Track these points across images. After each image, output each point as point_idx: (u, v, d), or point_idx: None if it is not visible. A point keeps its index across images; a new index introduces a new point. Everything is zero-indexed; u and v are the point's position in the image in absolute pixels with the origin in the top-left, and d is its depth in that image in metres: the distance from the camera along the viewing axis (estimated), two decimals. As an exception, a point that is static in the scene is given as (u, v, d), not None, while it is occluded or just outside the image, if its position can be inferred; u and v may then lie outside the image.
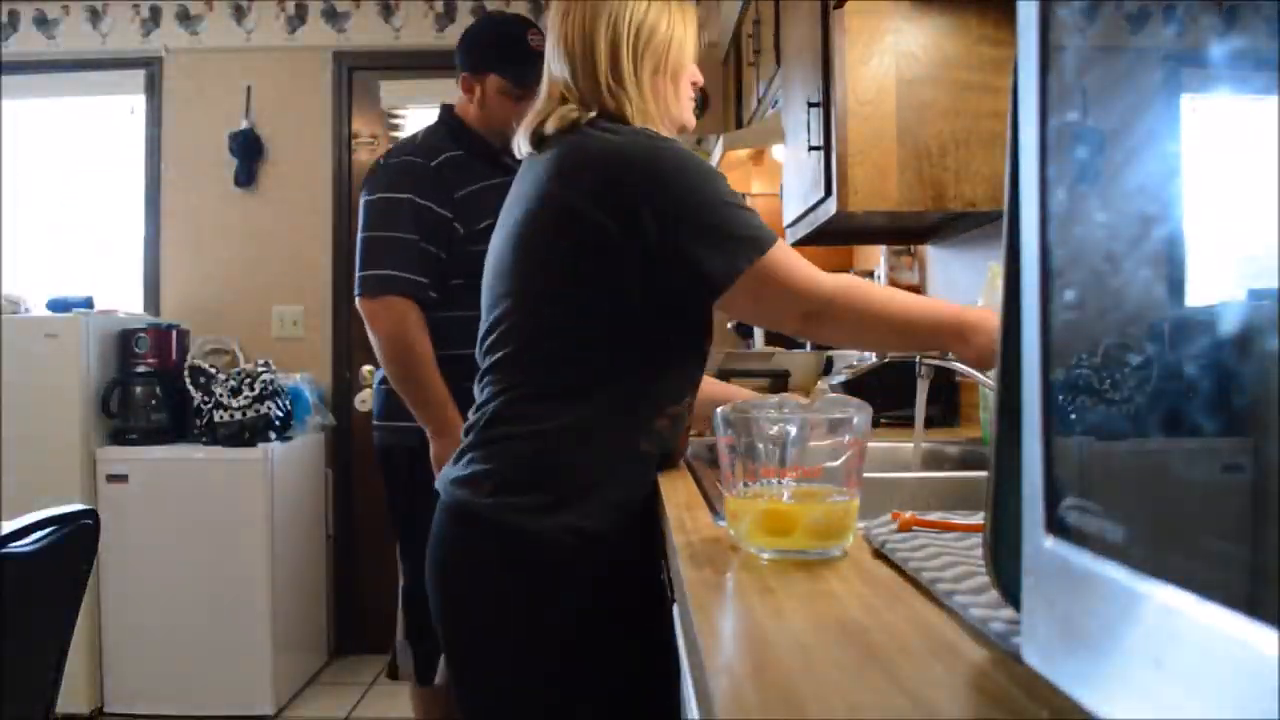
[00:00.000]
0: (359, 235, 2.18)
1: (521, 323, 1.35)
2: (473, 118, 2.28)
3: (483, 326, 1.42)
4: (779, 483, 0.87)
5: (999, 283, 0.70)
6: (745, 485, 0.87)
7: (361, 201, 2.21)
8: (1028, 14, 0.43)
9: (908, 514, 0.94)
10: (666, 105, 1.41)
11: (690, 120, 1.45)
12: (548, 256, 1.33)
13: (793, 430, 0.87)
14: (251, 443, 3.32)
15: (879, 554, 0.86)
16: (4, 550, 1.46)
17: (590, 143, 1.33)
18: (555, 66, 1.40)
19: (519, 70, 2.17)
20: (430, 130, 2.30)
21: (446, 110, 2.32)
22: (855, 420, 0.86)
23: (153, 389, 3.41)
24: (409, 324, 2.09)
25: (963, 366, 1.69)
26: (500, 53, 2.23)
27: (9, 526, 1.49)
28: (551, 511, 1.27)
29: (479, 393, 1.40)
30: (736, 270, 1.28)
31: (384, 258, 2.11)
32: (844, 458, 0.86)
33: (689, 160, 1.32)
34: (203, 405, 3.37)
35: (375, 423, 2.30)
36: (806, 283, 1.31)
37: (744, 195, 1.22)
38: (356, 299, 2.15)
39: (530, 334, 1.35)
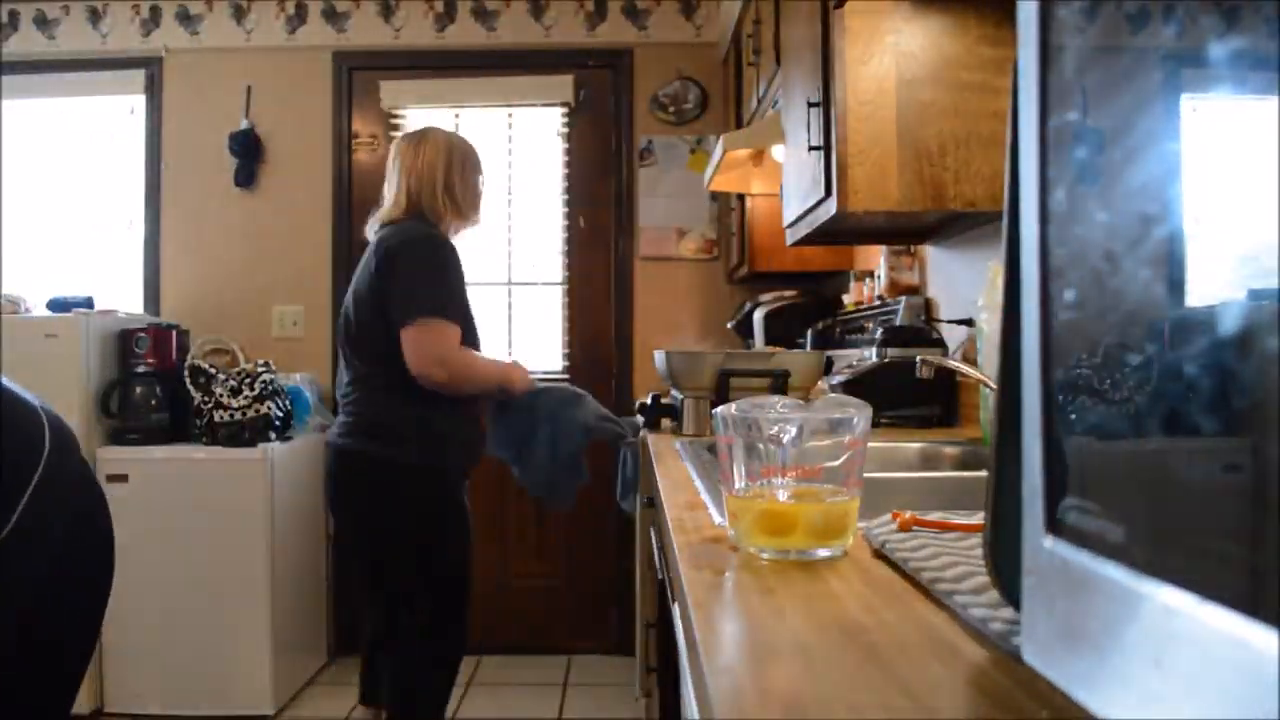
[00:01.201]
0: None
1: (362, 345, 2.35)
2: None
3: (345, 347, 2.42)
4: (779, 482, 0.87)
5: (999, 283, 0.70)
6: (745, 485, 0.87)
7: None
8: (1028, 14, 0.43)
9: (908, 514, 0.94)
10: (472, 204, 2.45)
11: (479, 215, 2.50)
12: (367, 296, 2.31)
13: (792, 430, 0.87)
14: (251, 443, 3.32)
15: (879, 554, 0.86)
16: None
17: (402, 228, 2.34)
18: (406, 182, 2.40)
19: None
20: None
21: None
22: (855, 420, 0.86)
23: (153, 389, 3.41)
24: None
25: (964, 367, 1.69)
26: None
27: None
28: (391, 448, 2.30)
29: (349, 388, 2.39)
30: (407, 319, 2.23)
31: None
32: (844, 458, 0.86)
33: (439, 245, 2.30)
34: (203, 405, 3.37)
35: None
36: (428, 358, 2.24)
37: (460, 279, 2.36)
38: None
39: (367, 350, 2.35)
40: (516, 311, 4.09)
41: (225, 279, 3.99)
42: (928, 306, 2.55)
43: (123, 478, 3.27)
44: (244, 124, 3.97)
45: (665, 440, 2.09)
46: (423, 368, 2.22)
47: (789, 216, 2.49)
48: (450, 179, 2.38)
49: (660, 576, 1.90)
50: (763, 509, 0.86)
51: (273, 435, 3.39)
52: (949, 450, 1.78)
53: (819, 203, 2.10)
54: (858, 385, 2.19)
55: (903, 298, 2.51)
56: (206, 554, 3.25)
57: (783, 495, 0.86)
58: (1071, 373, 0.40)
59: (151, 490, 3.27)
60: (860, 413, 0.87)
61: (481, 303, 4.10)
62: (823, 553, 0.85)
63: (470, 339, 2.35)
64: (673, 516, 1.10)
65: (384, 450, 2.29)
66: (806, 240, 2.42)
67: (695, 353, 2.21)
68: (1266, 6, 0.29)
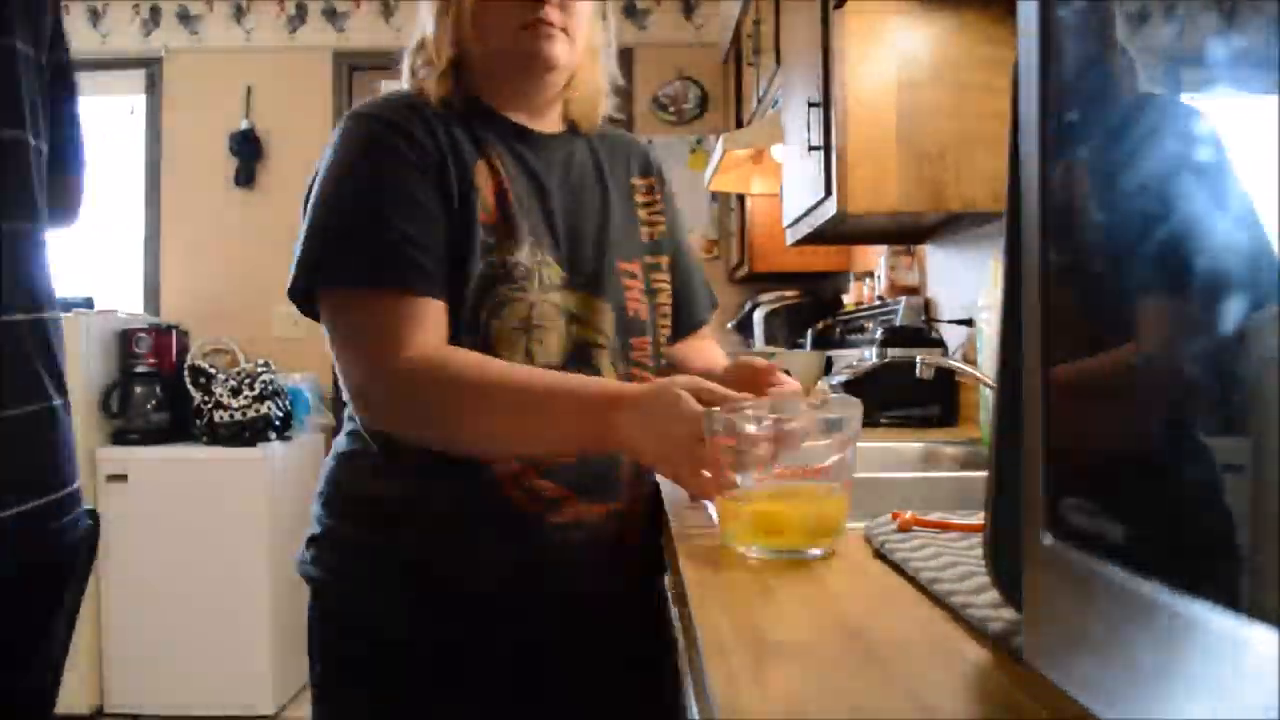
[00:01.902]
0: None
1: None
2: None
3: None
4: (769, 483, 0.88)
5: (999, 282, 0.70)
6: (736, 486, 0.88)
7: None
8: (1028, 14, 0.43)
9: (908, 514, 0.94)
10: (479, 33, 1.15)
11: (522, 46, 1.13)
12: None
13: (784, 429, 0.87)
14: (251, 443, 3.32)
15: (879, 554, 0.86)
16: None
17: None
18: None
19: None
20: None
21: None
22: (845, 420, 0.87)
23: (153, 389, 3.41)
24: None
25: (964, 366, 1.69)
26: None
27: (9, 526, 1.49)
28: None
29: None
30: (292, 286, 1.08)
31: None
32: (834, 458, 0.87)
33: (347, 133, 1.11)
34: (203, 405, 3.37)
35: None
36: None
37: (402, 198, 1.08)
38: None
39: None
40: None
41: (225, 279, 3.99)
42: (927, 306, 2.55)
43: (122, 478, 3.27)
44: (244, 124, 3.97)
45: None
46: None
47: (789, 216, 2.49)
48: None
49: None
50: (751, 509, 0.86)
51: (273, 435, 3.39)
52: (949, 450, 1.78)
53: (819, 203, 2.11)
54: (858, 385, 2.19)
55: (903, 298, 2.51)
56: (206, 554, 3.25)
57: (770, 495, 0.87)
58: (1071, 371, 0.40)
59: (151, 490, 3.27)
60: (850, 412, 0.87)
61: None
62: (811, 551, 0.85)
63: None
64: (673, 516, 1.10)
65: None
66: (806, 240, 2.42)
67: (695, 353, 2.20)
68: (1267, 6, 0.29)
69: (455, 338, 1.07)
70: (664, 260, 1.25)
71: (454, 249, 1.07)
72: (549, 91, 1.20)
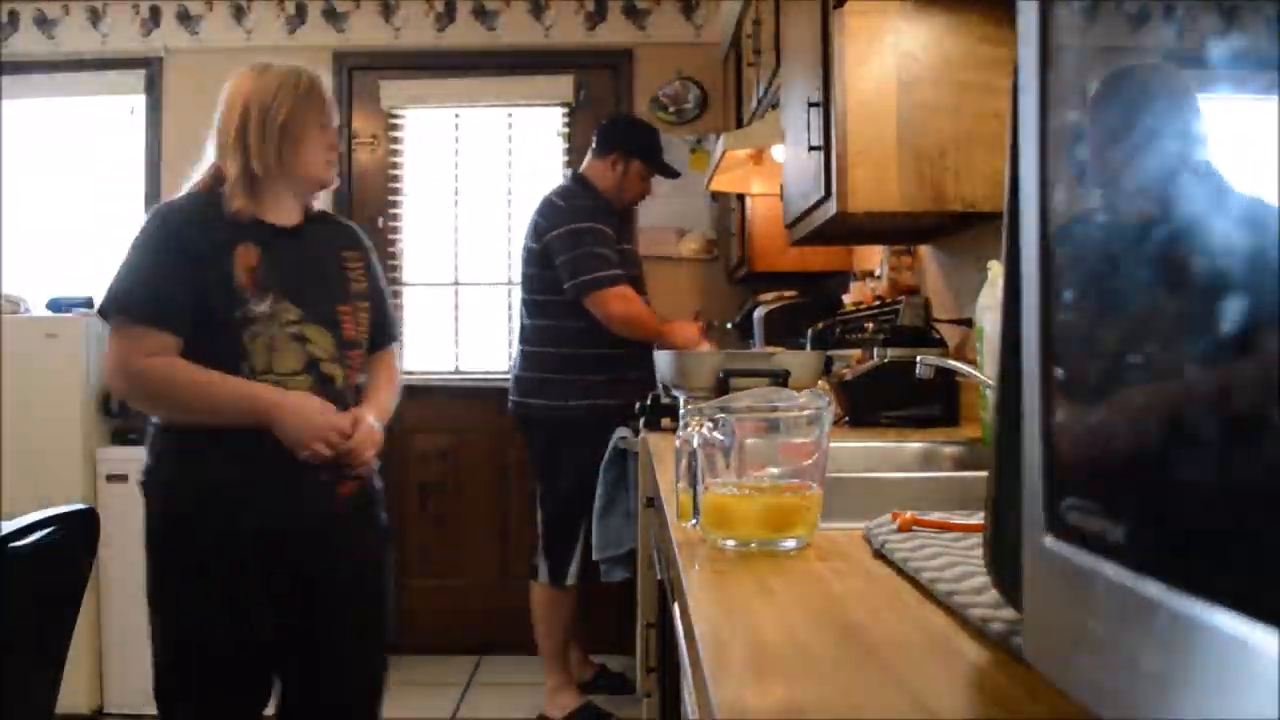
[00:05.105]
0: (568, 255, 2.96)
1: None
2: (607, 185, 3.11)
3: None
4: (744, 477, 0.91)
5: (999, 283, 0.71)
6: (712, 479, 0.91)
7: (560, 232, 2.99)
8: (1028, 14, 0.43)
9: (908, 514, 0.94)
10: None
11: (326, 174, 1.91)
12: None
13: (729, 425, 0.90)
14: (251, 443, 3.31)
15: (879, 554, 0.86)
16: (3, 550, 1.46)
17: None
18: None
19: (658, 163, 3.19)
20: (572, 191, 3.12)
21: (582, 178, 3.17)
22: (816, 415, 0.89)
23: (153, 389, 3.41)
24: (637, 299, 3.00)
25: (964, 367, 1.69)
26: (649, 147, 3.17)
27: (9, 526, 1.49)
28: None
29: None
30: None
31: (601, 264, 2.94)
32: (813, 457, 0.89)
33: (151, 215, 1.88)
34: (203, 405, 3.36)
35: (518, 399, 3.14)
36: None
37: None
38: (585, 298, 2.94)
39: None
40: (517, 311, 4.08)
41: (225, 279, 3.99)
42: (928, 306, 2.55)
43: (122, 478, 3.26)
44: (244, 124, 3.96)
45: (665, 440, 2.09)
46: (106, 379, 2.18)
47: (789, 216, 2.49)
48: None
49: (660, 577, 1.90)
50: (722, 503, 0.89)
51: (273, 435, 3.39)
52: (949, 450, 1.78)
53: (819, 203, 2.11)
54: (858, 385, 2.19)
55: (903, 297, 2.51)
56: (206, 554, 3.24)
57: (740, 489, 0.90)
58: (1071, 372, 0.40)
59: (151, 490, 3.27)
60: (819, 403, 0.89)
61: (481, 301, 4.11)
62: (783, 544, 0.88)
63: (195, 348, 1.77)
64: (672, 516, 1.10)
65: None
66: (807, 240, 2.42)
67: (695, 353, 2.21)
68: (1266, 6, 0.29)
69: (230, 354, 1.76)
70: (365, 305, 1.95)
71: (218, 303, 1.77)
72: (310, 199, 1.95)
